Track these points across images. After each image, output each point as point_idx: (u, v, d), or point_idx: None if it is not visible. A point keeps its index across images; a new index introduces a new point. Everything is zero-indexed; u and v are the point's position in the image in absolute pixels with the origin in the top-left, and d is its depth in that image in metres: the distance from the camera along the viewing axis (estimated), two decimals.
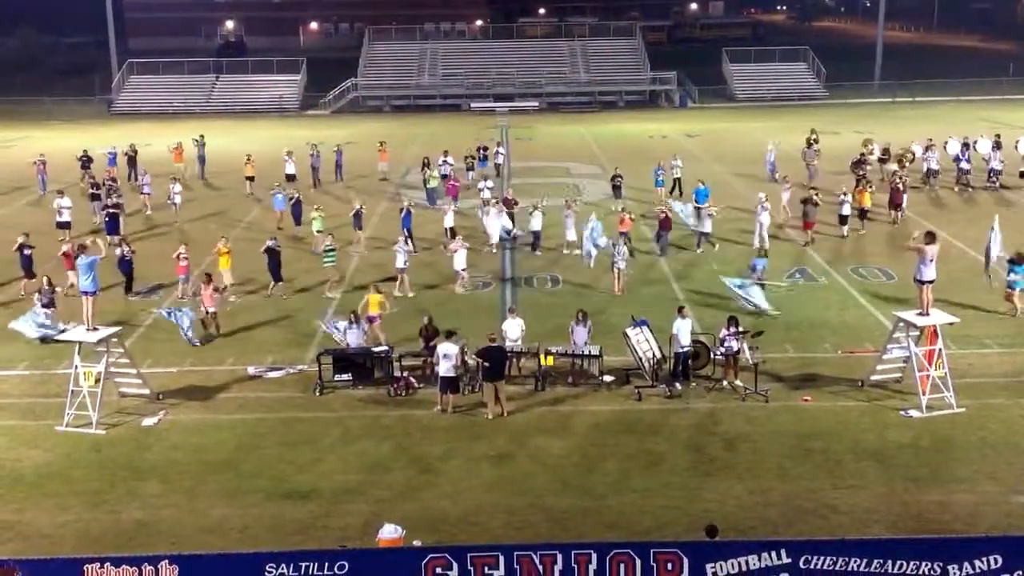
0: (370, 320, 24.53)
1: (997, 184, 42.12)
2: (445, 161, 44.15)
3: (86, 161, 45.53)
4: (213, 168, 48.03)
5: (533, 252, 33.21)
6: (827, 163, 44.89)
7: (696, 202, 35.14)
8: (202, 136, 49.84)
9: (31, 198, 44.04)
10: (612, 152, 52.28)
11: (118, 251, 29.31)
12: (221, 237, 30.34)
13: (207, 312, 25.96)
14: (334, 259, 29.74)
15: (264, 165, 44.57)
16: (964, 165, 42.28)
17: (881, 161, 43.78)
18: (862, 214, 35.60)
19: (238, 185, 44.00)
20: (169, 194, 39.36)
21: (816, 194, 34.83)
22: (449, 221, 34.11)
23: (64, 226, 35.08)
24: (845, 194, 34.95)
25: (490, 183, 39.36)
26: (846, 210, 34.63)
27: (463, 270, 29.50)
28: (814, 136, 45.99)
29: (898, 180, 37.24)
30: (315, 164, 44.59)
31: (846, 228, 34.61)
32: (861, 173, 40.92)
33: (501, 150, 48.20)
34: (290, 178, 42.52)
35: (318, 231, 33.39)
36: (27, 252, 29.35)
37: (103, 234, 31.90)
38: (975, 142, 44.95)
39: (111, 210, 35.27)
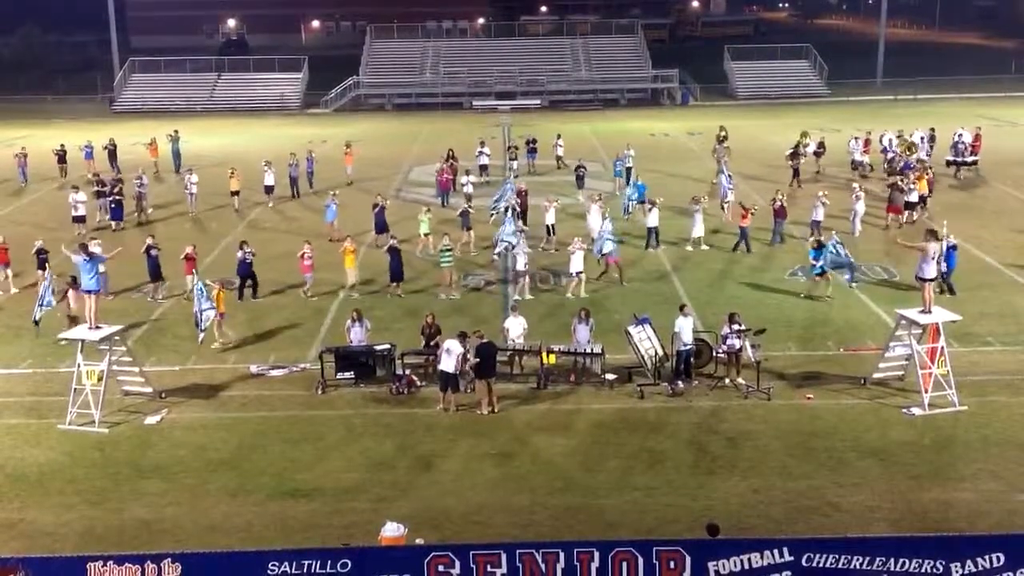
0: (218, 316, 24.85)
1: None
2: (482, 152, 43.83)
3: (62, 155, 46.67)
4: (199, 164, 47.98)
5: (648, 249, 32.94)
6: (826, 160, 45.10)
7: (637, 197, 36.23)
8: (176, 131, 49.68)
9: (14, 190, 45.09)
10: (614, 150, 52.11)
11: (239, 253, 28.43)
12: (347, 236, 30.13)
13: (70, 317, 25.34)
14: (451, 259, 28.95)
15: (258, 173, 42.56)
16: (890, 155, 43.78)
17: (816, 155, 44.85)
18: (921, 200, 36.48)
19: (216, 183, 42.31)
20: (186, 184, 39.76)
21: (902, 180, 36.04)
22: (551, 218, 33.47)
23: (79, 220, 35.88)
24: (913, 183, 35.84)
25: (472, 178, 39.27)
26: (913, 197, 35.70)
27: (579, 272, 28.50)
28: (723, 133, 46.43)
29: (929, 171, 38.20)
30: (293, 174, 41.97)
31: (912, 214, 35.48)
32: (795, 165, 42.35)
33: (560, 142, 47.37)
34: (268, 190, 40.68)
35: (425, 233, 32.64)
36: (154, 254, 28.44)
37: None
38: (911, 135, 46.39)
39: (116, 197, 36.73)
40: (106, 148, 47.71)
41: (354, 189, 43.04)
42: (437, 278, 29.35)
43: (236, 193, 40.10)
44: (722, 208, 36.54)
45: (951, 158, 44.23)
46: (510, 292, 28.54)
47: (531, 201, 35.96)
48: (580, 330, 23.04)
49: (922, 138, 45.84)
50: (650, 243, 33.14)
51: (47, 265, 28.47)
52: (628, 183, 40.98)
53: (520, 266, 28.41)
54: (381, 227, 33.20)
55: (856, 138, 45.69)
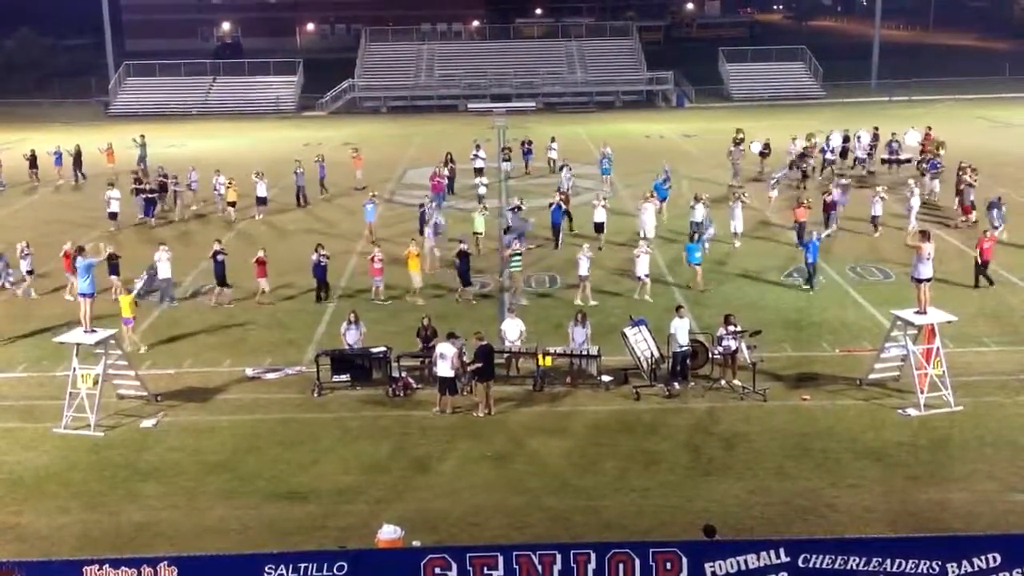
0: (125, 323, 24.66)
1: (856, 171, 45.14)
2: (477, 155, 44.00)
3: (33, 160, 46.96)
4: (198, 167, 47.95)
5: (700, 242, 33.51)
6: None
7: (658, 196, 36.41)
8: (142, 136, 49.52)
9: None
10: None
11: (314, 256, 28.26)
12: (411, 239, 29.88)
13: None
14: (520, 264, 28.34)
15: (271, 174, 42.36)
16: (830, 156, 44.95)
17: (762, 155, 45.64)
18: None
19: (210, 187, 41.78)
20: (214, 185, 40.10)
21: (966, 174, 36.16)
22: (601, 216, 33.58)
23: (113, 216, 37.49)
24: (972, 183, 35.94)
25: (485, 180, 39.45)
26: (972, 196, 35.69)
27: (645, 275, 28.19)
28: (740, 135, 46.67)
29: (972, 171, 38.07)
30: (300, 183, 41.04)
31: (974, 215, 35.54)
32: (804, 167, 42.72)
33: (555, 145, 47.49)
34: (261, 201, 39.25)
35: (476, 232, 32.66)
36: (220, 259, 28.18)
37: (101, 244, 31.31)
38: (855, 134, 47.37)
39: (148, 195, 38.32)
40: (70, 154, 47.57)
41: (356, 192, 42.89)
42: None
43: (232, 204, 39.07)
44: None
45: (886, 156, 45.21)
46: (577, 300, 27.85)
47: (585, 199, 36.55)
48: (576, 332, 23.04)
49: (858, 137, 46.46)
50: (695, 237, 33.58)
51: (119, 271, 28.54)
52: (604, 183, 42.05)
53: (583, 271, 27.97)
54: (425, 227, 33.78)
55: (795, 139, 46.16)
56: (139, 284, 26.72)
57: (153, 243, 31.51)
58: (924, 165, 40.86)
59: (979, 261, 28.64)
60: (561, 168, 42.10)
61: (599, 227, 33.55)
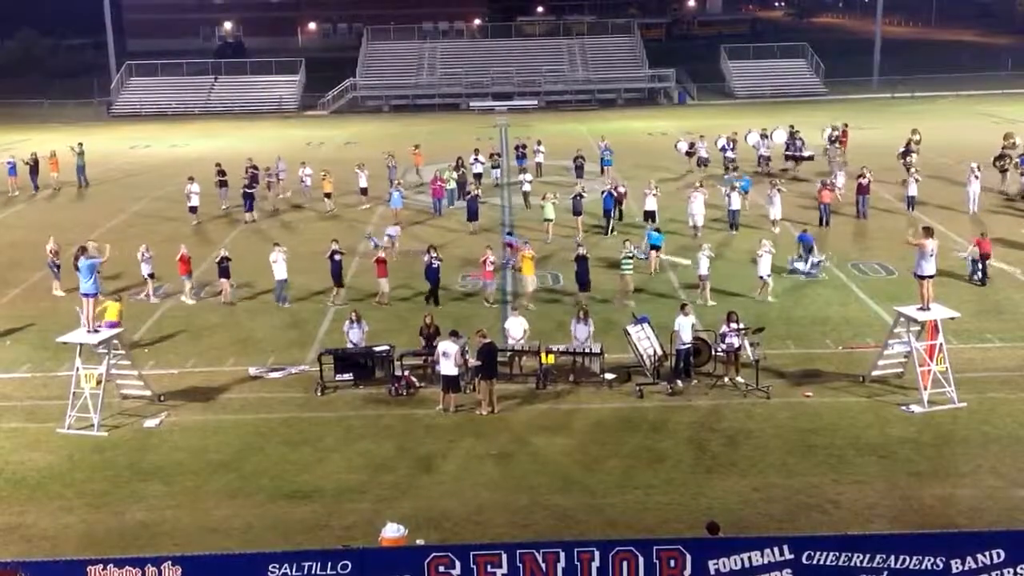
0: (111, 326, 23.74)
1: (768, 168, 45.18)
2: (476, 160, 44.25)
3: None
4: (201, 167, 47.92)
5: (732, 231, 34.27)
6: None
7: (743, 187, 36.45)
8: (80, 144, 48.83)
9: None
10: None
11: (426, 258, 27.82)
12: (524, 242, 29.61)
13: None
14: (631, 266, 27.71)
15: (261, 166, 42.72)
16: (730, 154, 45.33)
17: (688, 155, 46.18)
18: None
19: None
20: (301, 177, 41.46)
21: None
22: (651, 204, 34.17)
23: (193, 211, 38.47)
24: None
25: (529, 176, 40.60)
26: None
27: (768, 276, 27.40)
28: (835, 134, 46.56)
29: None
30: (392, 176, 41.28)
31: None
32: (908, 163, 42.25)
33: (542, 148, 47.56)
34: (363, 192, 40.53)
35: (547, 219, 33.12)
36: (337, 258, 27.94)
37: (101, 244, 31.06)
38: (773, 132, 47.76)
39: (245, 190, 38.79)
40: (27, 163, 46.55)
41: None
42: (619, 285, 28.32)
43: (328, 195, 39.74)
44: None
45: (789, 153, 45.25)
46: (698, 300, 27.23)
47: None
48: (579, 329, 23.03)
49: (763, 135, 46.55)
50: (733, 224, 34.37)
51: (230, 273, 28.59)
52: (602, 173, 43.13)
53: (703, 270, 27.48)
54: (473, 214, 35.33)
55: (721, 136, 47.03)
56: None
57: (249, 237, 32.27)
58: (1015, 159, 39.95)
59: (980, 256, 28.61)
60: (576, 158, 43.13)
61: (649, 215, 34.07)
